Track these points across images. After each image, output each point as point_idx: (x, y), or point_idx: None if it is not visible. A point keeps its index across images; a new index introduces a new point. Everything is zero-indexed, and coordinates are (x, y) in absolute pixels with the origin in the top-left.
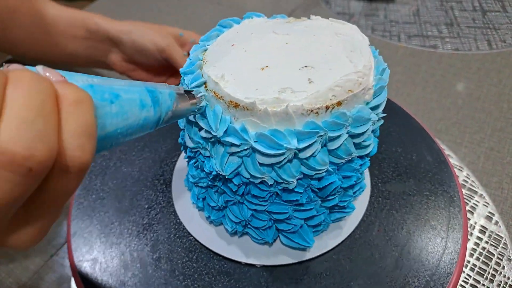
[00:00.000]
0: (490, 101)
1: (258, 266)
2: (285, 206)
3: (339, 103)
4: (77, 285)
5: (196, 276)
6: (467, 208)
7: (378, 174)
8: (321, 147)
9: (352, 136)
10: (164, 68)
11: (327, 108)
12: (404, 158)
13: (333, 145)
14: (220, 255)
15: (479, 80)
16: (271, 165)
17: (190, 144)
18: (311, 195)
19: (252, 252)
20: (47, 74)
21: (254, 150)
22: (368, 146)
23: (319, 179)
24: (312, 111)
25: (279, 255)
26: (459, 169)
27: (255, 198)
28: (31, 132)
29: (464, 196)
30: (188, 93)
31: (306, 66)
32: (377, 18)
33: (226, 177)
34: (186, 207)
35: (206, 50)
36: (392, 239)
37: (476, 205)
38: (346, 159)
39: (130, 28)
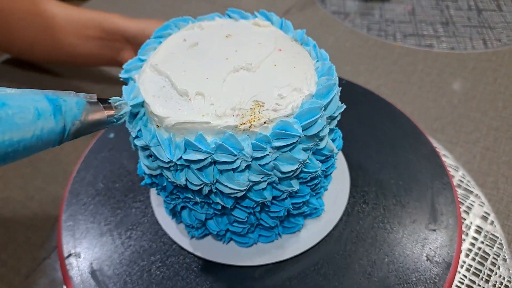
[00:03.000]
0: (485, 100)
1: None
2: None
3: None
4: None
5: (175, 273)
6: (463, 208)
7: (370, 173)
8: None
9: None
10: None
11: None
12: (397, 158)
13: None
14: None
15: (475, 79)
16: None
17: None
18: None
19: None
20: None
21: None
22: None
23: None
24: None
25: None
26: (454, 169)
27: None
28: None
29: (460, 196)
30: (103, 101)
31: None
32: (373, 17)
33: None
34: None
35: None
36: (385, 240)
37: (472, 205)
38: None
39: (144, 26)
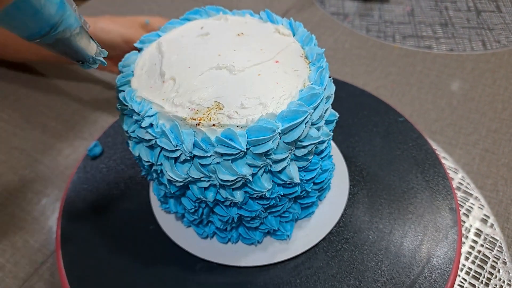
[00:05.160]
0: (484, 102)
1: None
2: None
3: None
4: None
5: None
6: (463, 211)
7: (366, 177)
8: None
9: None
10: None
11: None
12: (396, 161)
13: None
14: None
15: (474, 81)
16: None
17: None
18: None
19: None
20: None
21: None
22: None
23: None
24: None
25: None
26: (454, 171)
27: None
28: None
29: (459, 199)
30: (92, 39)
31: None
32: (372, 18)
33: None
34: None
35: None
36: (385, 243)
37: (471, 207)
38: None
39: (96, 26)
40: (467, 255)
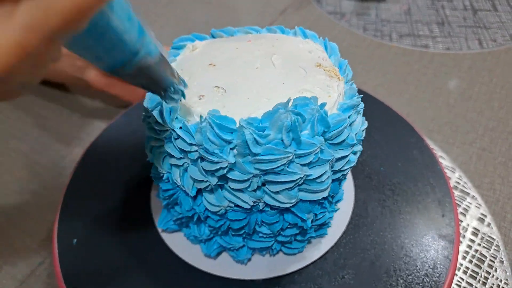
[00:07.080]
0: (481, 101)
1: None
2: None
3: None
4: None
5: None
6: (460, 210)
7: (366, 176)
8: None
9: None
10: None
11: None
12: (394, 160)
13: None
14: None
15: (471, 80)
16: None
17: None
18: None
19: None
20: None
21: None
22: None
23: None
24: None
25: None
26: (451, 171)
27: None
28: None
29: (457, 198)
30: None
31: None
32: (369, 17)
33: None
34: None
35: None
36: (382, 243)
37: (469, 207)
38: None
39: None
40: (465, 254)
